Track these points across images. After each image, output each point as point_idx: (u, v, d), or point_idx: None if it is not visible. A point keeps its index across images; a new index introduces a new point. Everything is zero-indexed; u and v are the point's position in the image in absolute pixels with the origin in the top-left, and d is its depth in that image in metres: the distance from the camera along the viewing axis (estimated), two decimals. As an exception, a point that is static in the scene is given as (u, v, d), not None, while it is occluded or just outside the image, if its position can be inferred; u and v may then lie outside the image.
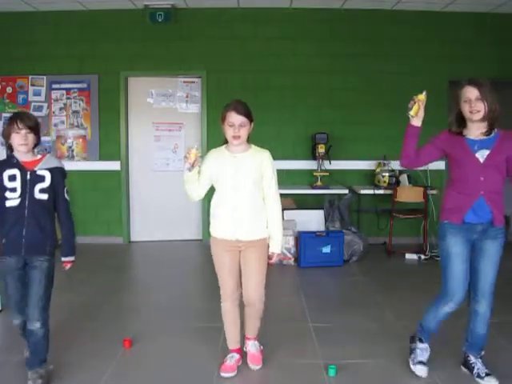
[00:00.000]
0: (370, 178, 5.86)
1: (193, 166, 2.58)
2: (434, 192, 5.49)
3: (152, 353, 3.01)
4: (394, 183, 5.55)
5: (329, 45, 5.86)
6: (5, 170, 2.51)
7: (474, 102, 2.46)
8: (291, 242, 5.13)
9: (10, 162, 2.55)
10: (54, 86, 5.91)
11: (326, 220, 5.54)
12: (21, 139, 2.50)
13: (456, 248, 2.57)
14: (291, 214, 5.47)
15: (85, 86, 5.90)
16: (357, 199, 5.84)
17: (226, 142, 2.69)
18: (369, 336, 3.28)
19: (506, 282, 4.46)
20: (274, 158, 2.74)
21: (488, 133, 2.52)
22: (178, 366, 2.85)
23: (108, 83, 5.88)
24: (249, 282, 2.71)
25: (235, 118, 2.57)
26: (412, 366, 2.76)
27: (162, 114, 6.04)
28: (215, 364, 2.85)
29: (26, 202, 2.51)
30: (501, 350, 3.06)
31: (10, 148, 2.58)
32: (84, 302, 3.87)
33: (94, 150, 5.93)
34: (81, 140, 5.94)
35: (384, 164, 5.63)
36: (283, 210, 5.46)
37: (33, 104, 5.93)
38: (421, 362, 2.73)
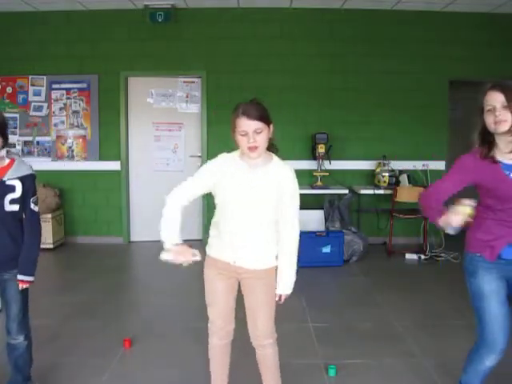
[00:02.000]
0: (370, 177, 5.86)
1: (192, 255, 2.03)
2: (433, 192, 5.49)
3: (152, 353, 3.01)
4: (394, 183, 5.55)
5: (329, 45, 5.86)
6: None
7: (499, 110, 1.96)
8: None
9: None
10: (54, 85, 5.91)
11: (326, 220, 5.54)
12: None
13: (490, 286, 2.11)
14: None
15: (85, 85, 5.90)
16: (357, 199, 5.84)
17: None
18: (369, 336, 3.28)
19: None
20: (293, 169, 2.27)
21: None
22: (178, 366, 2.85)
23: (108, 83, 5.88)
24: (257, 317, 2.19)
25: (247, 125, 2.01)
26: None
27: (162, 114, 6.03)
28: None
29: None
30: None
31: None
32: (84, 302, 3.87)
33: (94, 150, 5.93)
34: (81, 140, 5.94)
35: (384, 164, 5.63)
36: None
37: (33, 104, 5.93)
38: None
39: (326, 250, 4.99)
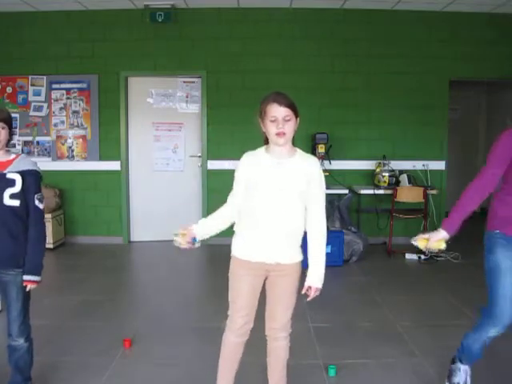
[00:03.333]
0: (370, 177, 5.86)
1: (189, 242, 2.24)
2: (433, 192, 5.49)
3: (152, 353, 3.01)
4: (394, 183, 5.55)
5: (329, 45, 5.86)
6: None
7: None
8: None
9: None
10: (54, 86, 5.91)
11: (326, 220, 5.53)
12: None
13: (507, 263, 2.22)
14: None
15: (85, 86, 5.90)
16: (357, 199, 5.84)
17: (265, 142, 2.20)
18: (369, 336, 3.28)
19: None
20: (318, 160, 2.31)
21: None
22: (178, 366, 2.85)
23: (108, 83, 5.88)
24: (276, 310, 2.23)
25: (278, 111, 2.06)
26: None
27: (162, 113, 6.03)
28: (215, 364, 2.85)
29: None
30: (502, 351, 3.05)
31: None
32: (84, 302, 3.86)
33: (94, 150, 5.93)
34: (81, 140, 5.94)
35: (384, 164, 5.63)
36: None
37: (33, 104, 5.93)
38: None
39: (326, 249, 4.95)
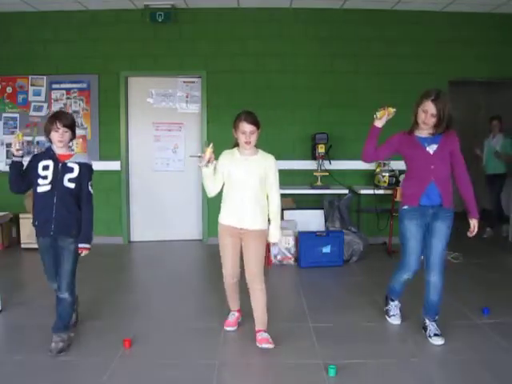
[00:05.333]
0: (370, 177, 5.86)
1: (208, 162, 2.98)
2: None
3: (152, 353, 3.01)
4: (394, 183, 5.55)
5: (329, 45, 5.86)
6: (41, 161, 2.97)
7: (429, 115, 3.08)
8: (291, 241, 5.12)
9: (48, 153, 3.02)
10: (54, 85, 5.91)
11: (325, 220, 5.54)
12: (58, 136, 2.97)
13: (412, 229, 3.12)
14: (291, 214, 5.47)
15: (85, 85, 5.90)
16: (357, 199, 5.84)
17: (235, 145, 3.15)
18: (369, 336, 3.28)
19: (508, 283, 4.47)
20: (274, 157, 3.12)
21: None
22: (178, 366, 2.85)
23: (108, 83, 5.88)
24: (250, 261, 3.13)
25: (246, 127, 3.00)
26: (388, 318, 3.49)
27: (162, 113, 6.04)
28: (215, 364, 2.86)
29: (56, 189, 2.93)
30: (502, 352, 3.06)
31: (50, 141, 3.04)
32: (84, 302, 3.85)
33: (94, 150, 5.91)
34: (81, 140, 5.93)
35: (384, 164, 5.63)
36: (283, 209, 5.54)
37: (33, 104, 5.93)
38: (394, 315, 3.48)
39: (326, 250, 4.98)
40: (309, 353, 3.01)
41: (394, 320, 3.46)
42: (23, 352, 2.98)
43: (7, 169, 5.83)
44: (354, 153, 5.90)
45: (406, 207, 3.14)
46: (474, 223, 3.07)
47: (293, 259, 5.10)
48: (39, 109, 5.94)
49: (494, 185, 6.37)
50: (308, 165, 5.83)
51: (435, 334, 3.11)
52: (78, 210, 3.00)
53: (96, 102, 5.90)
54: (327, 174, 5.67)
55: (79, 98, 5.92)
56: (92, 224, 3.04)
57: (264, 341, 3.06)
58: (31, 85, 5.92)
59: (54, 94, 5.92)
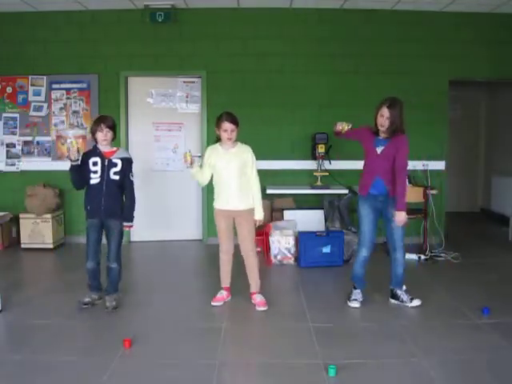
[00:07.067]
0: (370, 177, 5.85)
1: (191, 164, 3.61)
2: (433, 192, 5.47)
3: (152, 353, 3.01)
4: (394, 183, 5.54)
5: (329, 45, 5.86)
6: (90, 158, 3.62)
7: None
8: (291, 241, 5.12)
9: (95, 151, 3.66)
10: (54, 85, 5.91)
11: (325, 220, 5.54)
12: (103, 136, 3.60)
13: (365, 213, 3.77)
14: (291, 214, 5.47)
15: (85, 86, 5.90)
16: (357, 199, 5.81)
17: (217, 140, 3.72)
18: (369, 336, 3.28)
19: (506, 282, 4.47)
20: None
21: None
22: (178, 366, 2.85)
23: (108, 83, 5.88)
24: (243, 238, 3.77)
25: (228, 126, 3.58)
26: (349, 303, 3.83)
27: (162, 113, 6.03)
28: (215, 364, 2.85)
29: (104, 181, 3.60)
30: (503, 352, 3.06)
31: (95, 140, 3.67)
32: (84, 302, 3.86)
33: (94, 150, 5.91)
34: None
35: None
36: (283, 209, 5.54)
37: (33, 104, 5.93)
38: (354, 300, 3.83)
39: (326, 250, 4.98)
40: (309, 353, 3.01)
41: (354, 303, 3.81)
42: (23, 352, 2.98)
43: (7, 169, 5.94)
44: (354, 153, 5.90)
45: (359, 195, 3.83)
46: (397, 215, 3.62)
47: (293, 259, 5.10)
48: (39, 109, 5.94)
49: None
50: (308, 165, 5.83)
51: (412, 299, 3.78)
52: (122, 196, 3.73)
53: (96, 102, 5.90)
54: (327, 173, 5.66)
55: (79, 97, 5.92)
56: (134, 206, 3.79)
57: (261, 304, 3.73)
58: (31, 85, 5.92)
59: (54, 94, 5.92)
